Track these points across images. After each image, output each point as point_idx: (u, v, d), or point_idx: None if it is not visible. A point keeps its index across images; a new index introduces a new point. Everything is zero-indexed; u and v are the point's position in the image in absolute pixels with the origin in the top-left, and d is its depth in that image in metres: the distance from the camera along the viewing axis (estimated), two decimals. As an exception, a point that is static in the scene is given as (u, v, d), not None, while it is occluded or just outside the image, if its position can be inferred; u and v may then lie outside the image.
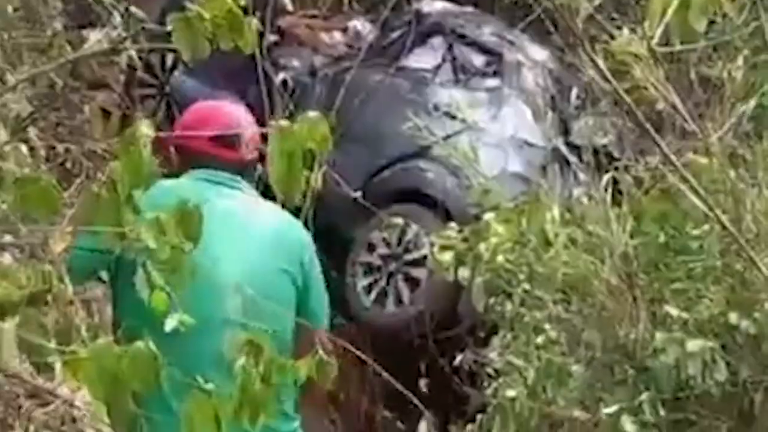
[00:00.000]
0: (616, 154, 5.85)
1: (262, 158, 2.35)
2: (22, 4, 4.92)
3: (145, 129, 1.93)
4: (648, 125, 3.18)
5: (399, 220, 5.72)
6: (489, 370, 4.10)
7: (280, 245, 2.96)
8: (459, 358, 4.54)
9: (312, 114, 1.94)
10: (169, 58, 6.58)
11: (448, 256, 4.80)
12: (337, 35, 6.69)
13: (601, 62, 3.00)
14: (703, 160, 3.49)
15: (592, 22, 3.35)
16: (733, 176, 3.39)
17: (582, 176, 5.49)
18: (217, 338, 2.56)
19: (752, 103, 3.75)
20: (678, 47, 2.25)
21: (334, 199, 6.04)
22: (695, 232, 3.75)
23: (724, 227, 2.04)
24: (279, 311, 2.81)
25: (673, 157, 2.21)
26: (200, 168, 2.85)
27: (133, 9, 4.67)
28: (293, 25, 6.54)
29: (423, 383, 5.54)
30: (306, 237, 3.07)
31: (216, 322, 2.65)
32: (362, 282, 6.13)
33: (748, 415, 3.33)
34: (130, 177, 1.90)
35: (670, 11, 2.17)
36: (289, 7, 6.84)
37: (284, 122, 1.93)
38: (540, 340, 3.69)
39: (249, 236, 2.89)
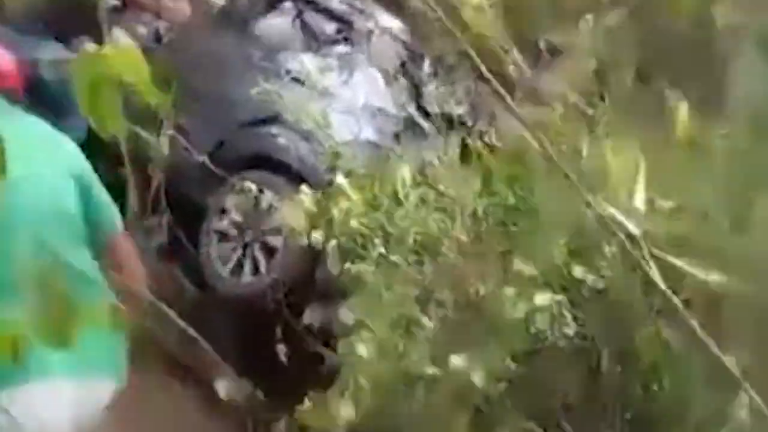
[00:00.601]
0: (469, 122, 5.94)
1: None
2: None
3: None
4: (493, 82, 3.23)
5: (252, 185, 5.66)
6: (341, 329, 4.09)
7: (58, 158, 3.40)
8: (306, 315, 4.49)
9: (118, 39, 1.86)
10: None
11: (300, 221, 4.79)
12: (183, 2, 6.57)
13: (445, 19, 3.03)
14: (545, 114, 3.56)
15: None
16: (573, 129, 3.47)
17: (434, 141, 5.54)
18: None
19: (593, 63, 3.84)
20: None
21: (187, 167, 5.95)
22: (542, 189, 3.82)
23: (566, 176, 2.07)
24: (68, 219, 3.11)
25: (515, 108, 2.23)
26: None
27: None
28: None
29: (281, 350, 5.51)
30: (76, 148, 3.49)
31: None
32: (217, 251, 6.06)
33: (597, 370, 3.41)
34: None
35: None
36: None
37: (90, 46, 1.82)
38: (391, 296, 3.70)
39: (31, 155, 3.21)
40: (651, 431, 3.36)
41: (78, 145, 3.59)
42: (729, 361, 1.97)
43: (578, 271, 3.44)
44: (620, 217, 2.27)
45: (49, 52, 5.71)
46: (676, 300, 2.20)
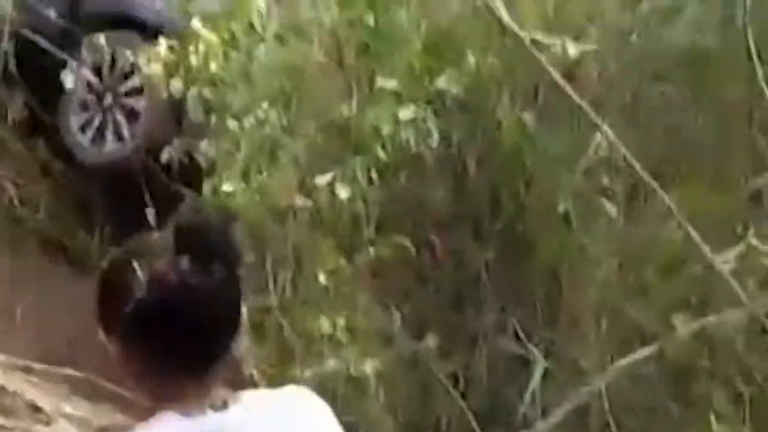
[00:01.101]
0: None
1: None
2: None
3: None
4: None
5: (103, 42, 5.39)
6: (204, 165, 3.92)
7: None
8: (164, 153, 4.31)
9: None
10: None
11: (157, 70, 4.57)
12: None
13: None
14: None
15: None
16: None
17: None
18: None
19: None
20: None
21: (39, 29, 5.63)
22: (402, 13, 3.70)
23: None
24: None
25: None
26: None
27: None
28: None
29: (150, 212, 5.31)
30: None
31: None
32: (77, 120, 5.80)
33: (461, 179, 3.35)
34: None
35: None
36: None
37: None
38: (252, 121, 3.55)
39: None
40: (521, 243, 3.33)
41: None
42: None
43: (441, 81, 3.34)
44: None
45: None
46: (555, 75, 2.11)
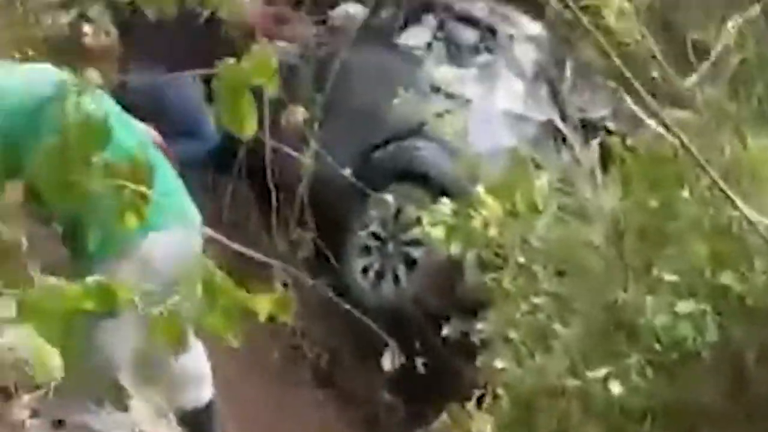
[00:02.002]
0: (610, 126, 5.79)
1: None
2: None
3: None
4: (636, 86, 3.12)
5: (391, 199, 5.66)
6: (479, 342, 4.04)
7: None
8: (445, 329, 4.46)
9: (256, 48, 1.93)
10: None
11: (439, 232, 4.74)
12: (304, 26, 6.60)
13: (589, 26, 2.96)
14: (688, 115, 3.42)
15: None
16: (716, 129, 3.32)
17: (576, 148, 5.42)
18: None
19: (736, 59, 3.68)
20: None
21: (330, 180, 6.00)
22: (685, 194, 3.68)
23: (713, 180, 1.98)
24: None
25: (658, 110, 2.14)
26: None
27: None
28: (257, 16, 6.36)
29: (420, 362, 5.47)
30: None
31: None
32: (359, 263, 6.08)
33: (739, 377, 3.25)
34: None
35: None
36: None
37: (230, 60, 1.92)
38: (527, 306, 3.62)
39: None
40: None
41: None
42: None
43: (725, 277, 3.28)
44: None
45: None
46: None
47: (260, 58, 1.92)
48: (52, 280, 1.60)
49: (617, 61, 3.07)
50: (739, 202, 2.19)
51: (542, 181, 4.10)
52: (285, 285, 5.35)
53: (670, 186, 3.78)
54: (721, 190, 3.12)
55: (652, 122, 4.41)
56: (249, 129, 1.96)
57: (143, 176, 1.92)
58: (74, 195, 1.83)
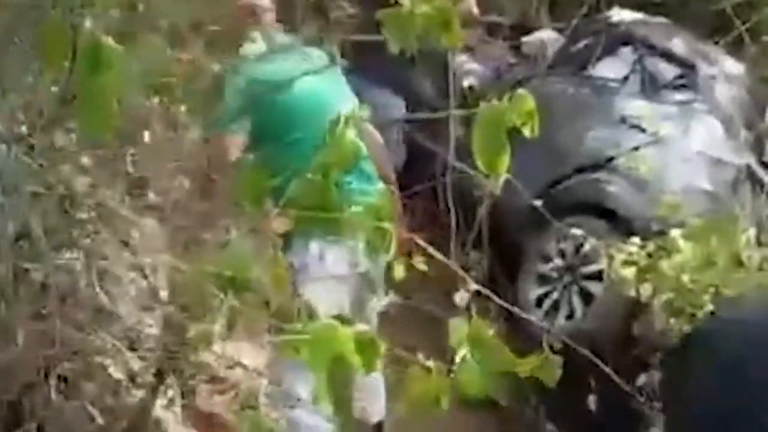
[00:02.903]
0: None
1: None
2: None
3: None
4: None
5: (578, 232, 5.57)
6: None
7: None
8: (642, 378, 4.37)
9: (520, 91, 1.92)
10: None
11: (629, 272, 4.65)
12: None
13: None
14: None
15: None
16: None
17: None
18: None
19: None
20: None
21: (509, 207, 5.95)
22: None
23: None
24: None
25: None
26: None
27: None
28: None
29: (592, 400, 5.36)
30: None
31: None
32: (534, 292, 6.01)
33: None
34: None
35: None
36: (475, 13, 6.78)
37: (492, 102, 1.91)
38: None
39: None
40: None
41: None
42: None
43: None
44: None
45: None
46: None
47: (521, 100, 1.90)
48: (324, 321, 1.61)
49: None
50: None
51: (748, 232, 3.96)
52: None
53: None
54: None
55: None
56: (501, 169, 1.95)
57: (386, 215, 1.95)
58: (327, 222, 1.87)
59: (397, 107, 6.20)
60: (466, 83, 6.19)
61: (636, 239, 4.86)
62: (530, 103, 1.91)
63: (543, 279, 6.01)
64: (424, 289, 6.39)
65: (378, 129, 5.70)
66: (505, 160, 1.95)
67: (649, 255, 4.48)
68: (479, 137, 1.91)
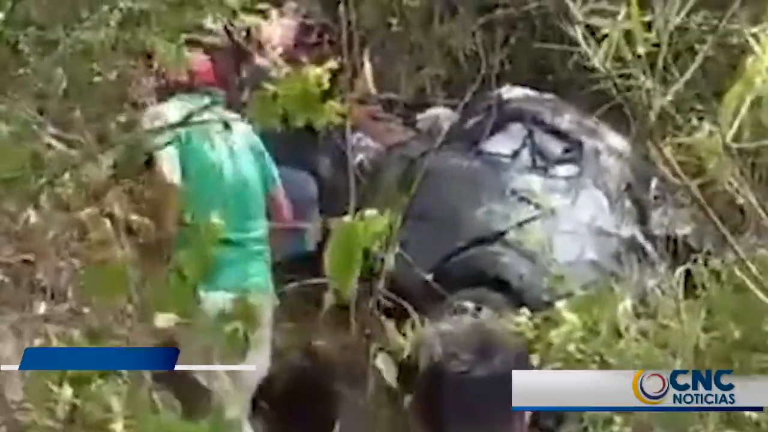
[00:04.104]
0: (694, 246, 5.77)
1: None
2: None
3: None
4: (718, 220, 3.15)
5: (470, 305, 5.69)
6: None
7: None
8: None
9: (371, 212, 1.99)
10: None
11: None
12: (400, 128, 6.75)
13: (670, 155, 3.00)
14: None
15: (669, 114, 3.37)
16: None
17: (658, 267, 5.42)
18: None
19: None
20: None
21: (406, 281, 6.05)
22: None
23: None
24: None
25: (740, 251, 2.17)
26: None
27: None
28: (357, 111, 6.56)
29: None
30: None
31: None
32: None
33: None
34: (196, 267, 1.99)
35: (743, 109, 2.16)
36: (371, 90, 6.95)
37: (346, 219, 1.99)
38: (607, 432, 3.62)
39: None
40: None
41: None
42: None
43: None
44: None
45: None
46: None
47: (375, 221, 1.98)
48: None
49: (700, 199, 3.13)
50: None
51: (626, 303, 4.11)
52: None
53: (753, 318, 3.78)
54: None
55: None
56: (348, 287, 2.02)
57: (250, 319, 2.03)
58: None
59: (310, 185, 6.29)
60: (356, 160, 6.31)
61: (526, 311, 4.97)
62: (382, 223, 2.00)
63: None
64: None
65: (296, 206, 5.78)
66: (354, 280, 2.03)
67: (536, 326, 4.59)
68: (332, 252, 2.00)
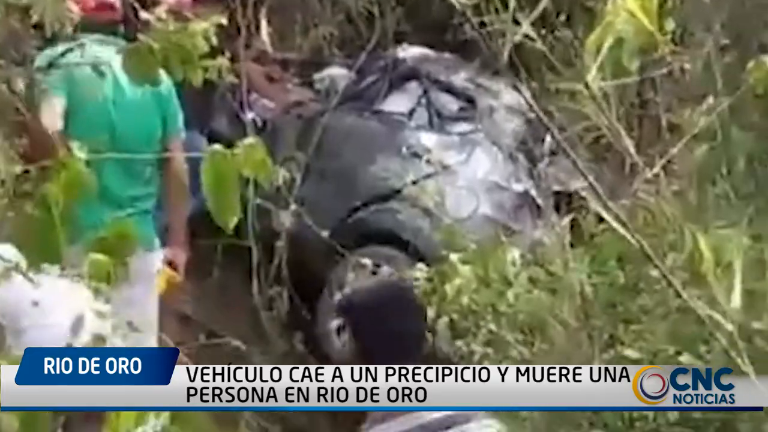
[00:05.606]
0: (589, 198, 5.89)
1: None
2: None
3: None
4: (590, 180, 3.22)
5: (368, 261, 5.74)
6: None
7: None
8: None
9: (248, 140, 1.96)
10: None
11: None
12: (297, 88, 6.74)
13: (530, 99, 3.05)
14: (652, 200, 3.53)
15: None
16: (678, 216, 3.43)
17: (550, 220, 5.53)
18: None
19: (705, 146, 3.80)
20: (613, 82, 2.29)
21: (307, 240, 6.08)
22: (653, 273, 3.78)
23: (656, 266, 2.07)
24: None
25: (605, 199, 2.22)
26: None
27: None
28: (251, 70, 6.53)
29: None
30: None
31: None
32: (333, 323, 6.13)
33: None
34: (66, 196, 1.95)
35: (604, 50, 2.20)
36: (268, 49, 6.91)
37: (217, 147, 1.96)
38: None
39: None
40: None
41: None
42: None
43: (684, 358, 3.37)
44: (717, 316, 2.19)
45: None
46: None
47: (251, 147, 1.94)
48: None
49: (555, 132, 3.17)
50: (683, 292, 2.26)
51: (514, 252, 4.20)
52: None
53: (638, 263, 3.89)
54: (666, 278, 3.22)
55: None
56: (231, 221, 1.97)
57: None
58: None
59: (202, 145, 6.24)
60: (249, 118, 6.29)
61: (422, 265, 5.04)
62: (261, 148, 1.96)
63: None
64: (230, 324, 6.45)
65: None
66: (236, 213, 1.98)
67: (430, 279, 4.66)
68: (208, 182, 1.95)
